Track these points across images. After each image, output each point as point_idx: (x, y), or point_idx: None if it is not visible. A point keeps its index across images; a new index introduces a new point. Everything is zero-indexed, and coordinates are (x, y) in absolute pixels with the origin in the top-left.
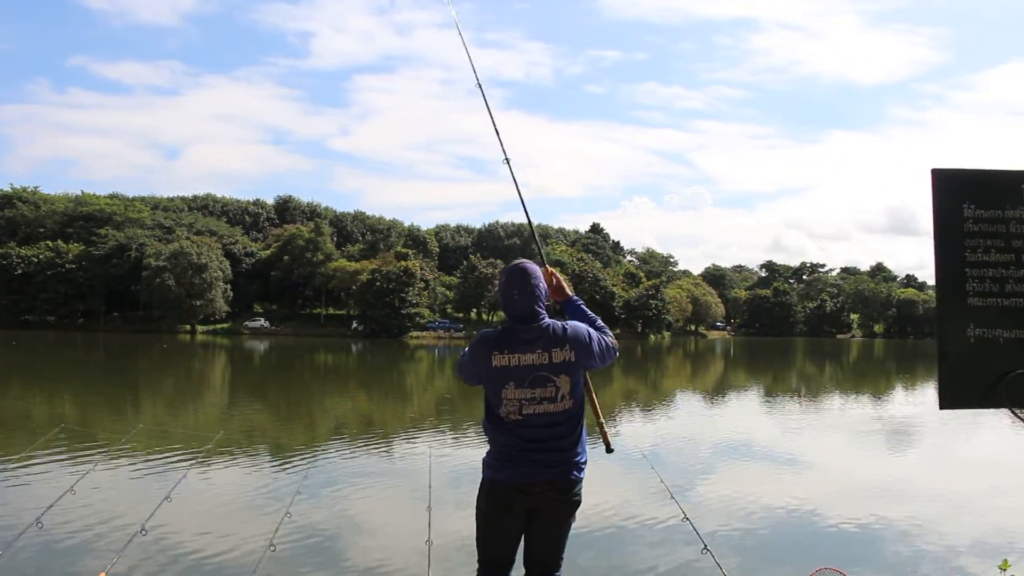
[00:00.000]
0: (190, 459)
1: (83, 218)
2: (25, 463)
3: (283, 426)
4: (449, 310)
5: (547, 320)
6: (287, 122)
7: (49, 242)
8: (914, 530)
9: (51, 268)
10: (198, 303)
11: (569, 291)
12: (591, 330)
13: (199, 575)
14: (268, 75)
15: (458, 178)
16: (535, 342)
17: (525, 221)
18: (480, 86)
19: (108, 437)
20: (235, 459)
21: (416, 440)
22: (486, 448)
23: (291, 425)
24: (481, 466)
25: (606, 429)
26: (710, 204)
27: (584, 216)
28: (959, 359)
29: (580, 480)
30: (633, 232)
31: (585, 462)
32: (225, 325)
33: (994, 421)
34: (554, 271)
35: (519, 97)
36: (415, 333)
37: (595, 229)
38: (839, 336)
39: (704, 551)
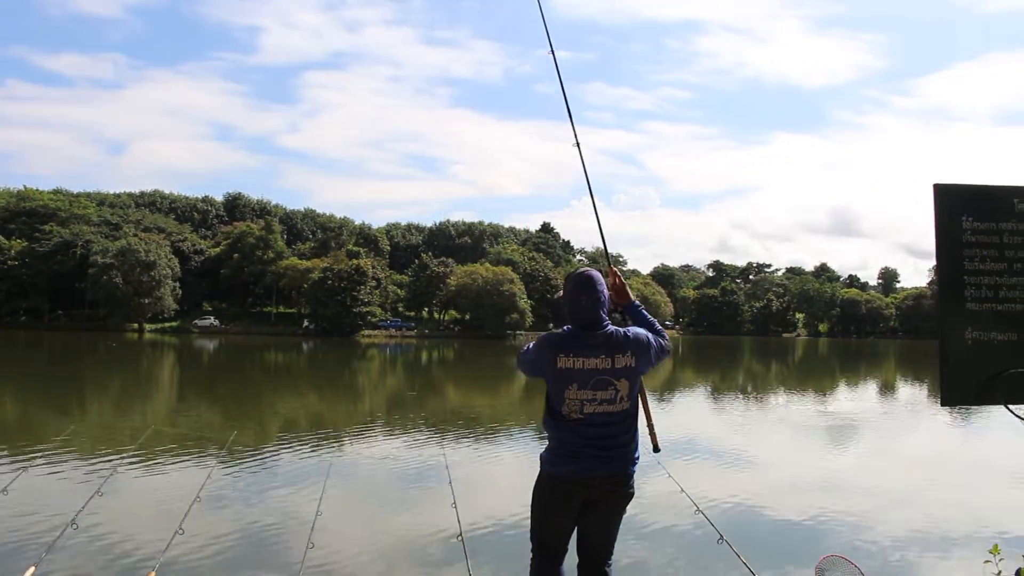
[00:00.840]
0: (120, 457)
1: (26, 213)
2: None
3: (232, 424)
4: (400, 308)
5: (611, 327)
6: (234, 118)
7: None
8: (855, 522)
9: None
10: (146, 301)
11: (632, 295)
12: (650, 335)
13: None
14: (215, 70)
15: (407, 176)
16: (599, 347)
17: (475, 220)
18: (552, 53)
19: (45, 437)
20: (159, 460)
21: (369, 438)
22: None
23: (240, 423)
24: (540, 462)
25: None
26: (658, 204)
27: (533, 215)
28: (958, 360)
29: (634, 474)
30: (582, 231)
31: (638, 458)
32: (174, 324)
33: (928, 422)
34: (618, 273)
35: (468, 96)
36: (367, 332)
37: (546, 228)
38: (785, 335)
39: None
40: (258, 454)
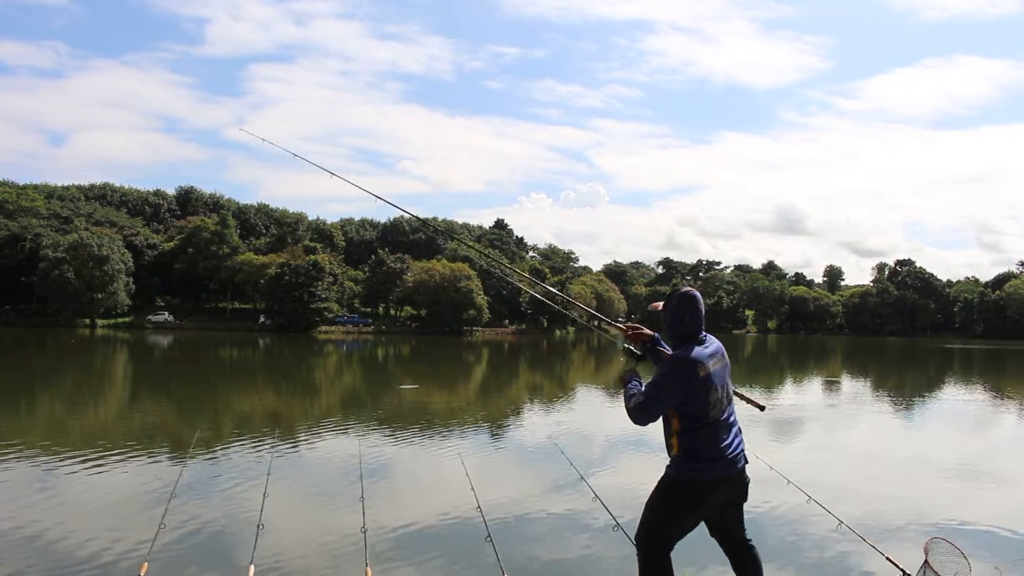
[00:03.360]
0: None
1: None
2: None
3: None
4: (357, 304)
5: (706, 335)
6: (180, 110)
7: None
8: (796, 516)
9: None
10: (99, 296)
11: (648, 331)
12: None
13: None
14: (160, 61)
15: (356, 171)
16: (714, 352)
17: (427, 216)
18: None
19: None
20: (110, 459)
21: (337, 432)
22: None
23: (195, 420)
24: (677, 469)
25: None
26: (606, 201)
27: (482, 211)
28: None
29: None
30: (530, 227)
31: None
32: (126, 319)
33: (872, 417)
34: (631, 325)
35: (418, 91)
36: (324, 328)
37: (499, 225)
38: (735, 332)
39: (616, 528)
40: (212, 452)
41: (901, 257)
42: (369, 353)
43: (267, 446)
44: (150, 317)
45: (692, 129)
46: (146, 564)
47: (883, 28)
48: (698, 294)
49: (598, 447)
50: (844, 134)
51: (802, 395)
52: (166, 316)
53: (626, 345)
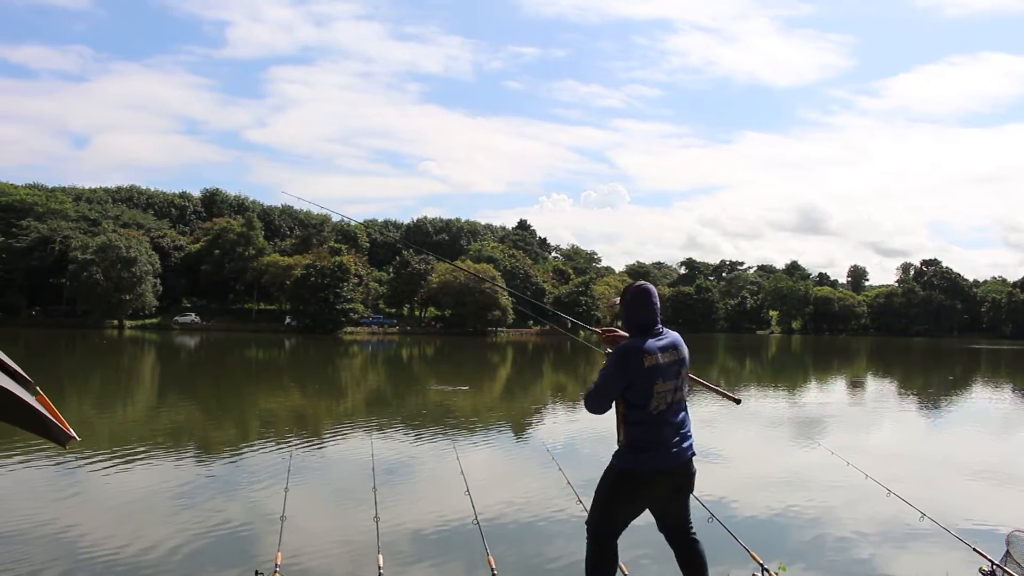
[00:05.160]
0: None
1: (1, 208)
2: None
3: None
4: (381, 305)
5: (663, 327)
6: (202, 112)
7: None
8: (821, 516)
9: None
10: (127, 298)
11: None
12: None
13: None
14: (182, 64)
15: (377, 172)
16: (668, 344)
17: (449, 217)
18: None
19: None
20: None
21: (356, 430)
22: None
23: (226, 420)
24: (619, 458)
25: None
26: (627, 201)
27: (503, 212)
28: None
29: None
30: (552, 228)
31: None
32: (154, 320)
33: (896, 416)
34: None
35: (438, 92)
36: (349, 328)
37: (522, 225)
38: (759, 332)
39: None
40: (226, 452)
41: (926, 257)
42: (394, 354)
43: (290, 445)
44: (177, 318)
45: (713, 129)
46: (280, 553)
47: (906, 25)
48: (652, 288)
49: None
50: (867, 133)
51: (851, 394)
52: (193, 317)
53: (607, 350)
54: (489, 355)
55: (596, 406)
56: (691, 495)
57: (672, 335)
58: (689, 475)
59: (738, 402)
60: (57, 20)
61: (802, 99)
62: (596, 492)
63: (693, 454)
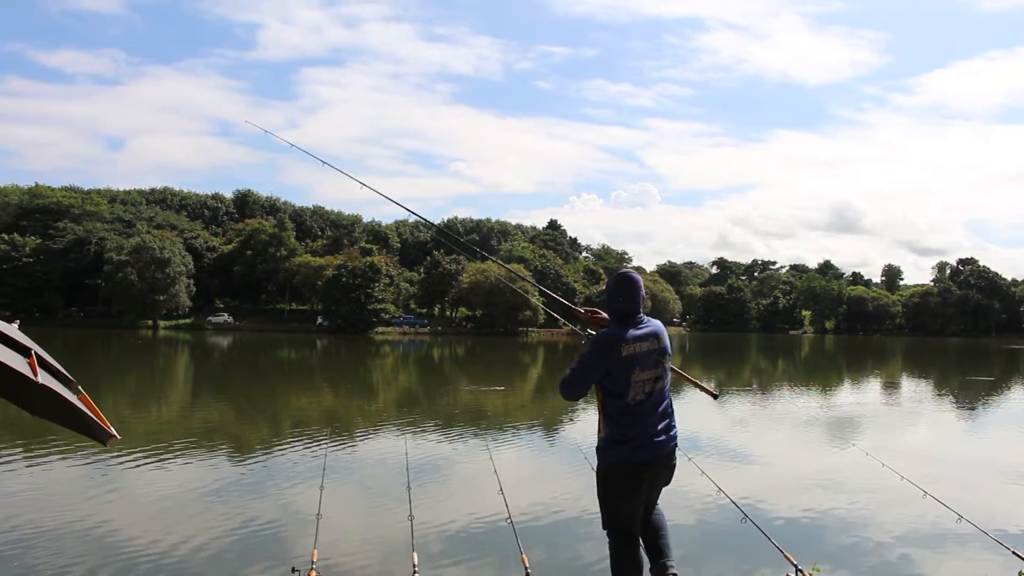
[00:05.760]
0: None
1: (39, 211)
2: None
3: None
4: (412, 305)
5: (645, 316)
6: (233, 114)
7: (4, 235)
8: (855, 518)
9: (7, 262)
10: (161, 298)
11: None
12: None
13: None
14: (214, 66)
15: (408, 173)
16: (648, 333)
17: (479, 217)
18: None
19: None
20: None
21: (391, 430)
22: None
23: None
24: (602, 453)
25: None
26: (658, 201)
27: (533, 212)
28: None
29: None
30: (583, 228)
31: None
32: (187, 320)
33: (932, 417)
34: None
35: (468, 92)
36: (380, 328)
37: (553, 225)
38: (791, 332)
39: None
40: (262, 451)
41: (963, 256)
42: (425, 354)
43: (323, 444)
44: (210, 318)
45: (744, 127)
46: (316, 551)
47: (941, 20)
48: (636, 276)
49: None
50: (901, 130)
51: (886, 394)
52: (226, 318)
53: (588, 330)
54: (520, 355)
55: (571, 391)
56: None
57: (653, 324)
58: (670, 467)
59: (716, 396)
60: (91, 25)
61: (834, 96)
62: (597, 495)
63: (675, 445)
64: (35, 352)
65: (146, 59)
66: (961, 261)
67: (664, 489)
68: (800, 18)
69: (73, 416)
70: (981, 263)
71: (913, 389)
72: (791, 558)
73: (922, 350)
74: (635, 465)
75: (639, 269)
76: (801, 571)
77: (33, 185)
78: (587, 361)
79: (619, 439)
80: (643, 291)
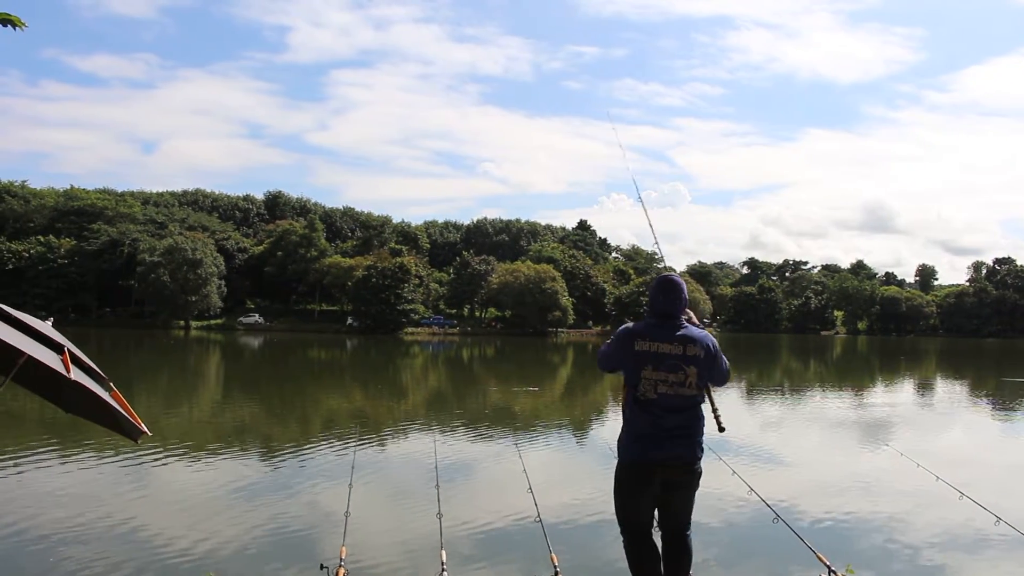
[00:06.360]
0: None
1: (74, 212)
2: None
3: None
4: (441, 306)
5: (686, 324)
6: (264, 116)
7: (40, 237)
8: (890, 520)
9: (43, 263)
10: (193, 299)
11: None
12: (715, 343)
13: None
14: (244, 69)
15: (437, 174)
16: (672, 337)
17: (509, 217)
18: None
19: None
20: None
21: (420, 430)
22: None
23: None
24: (617, 449)
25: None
26: (688, 201)
27: (563, 212)
28: None
29: (700, 457)
30: (613, 228)
31: (703, 442)
32: (218, 321)
33: (968, 420)
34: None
35: (497, 92)
36: (410, 329)
37: (582, 226)
38: (823, 333)
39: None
40: (292, 450)
41: (999, 255)
42: (454, 354)
43: (352, 443)
44: (241, 319)
45: (776, 127)
46: (344, 548)
47: (977, 16)
48: (674, 280)
49: None
50: (936, 129)
51: (920, 396)
52: (256, 318)
53: None
54: (551, 356)
55: (601, 362)
56: (691, 499)
57: (692, 331)
58: (687, 475)
59: (722, 430)
60: (125, 29)
61: (867, 95)
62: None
63: (690, 455)
64: (68, 349)
65: (178, 63)
66: (998, 260)
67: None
68: (832, 16)
69: (105, 413)
70: (1019, 263)
71: (948, 390)
72: (824, 559)
73: (957, 351)
74: (642, 464)
75: (669, 269)
76: (834, 572)
77: (68, 187)
78: (611, 343)
79: (631, 437)
80: (683, 295)
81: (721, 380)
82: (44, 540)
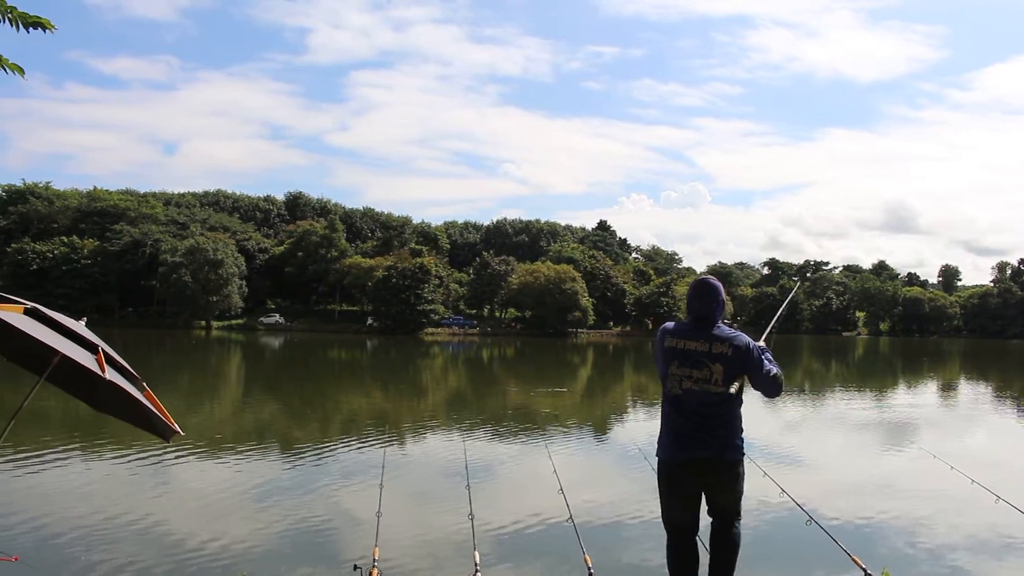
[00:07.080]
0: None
1: (97, 213)
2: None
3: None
4: (461, 306)
5: (721, 325)
6: (285, 117)
7: (64, 238)
8: (924, 522)
9: (66, 264)
10: (214, 299)
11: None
12: (755, 344)
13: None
14: (265, 70)
15: (457, 174)
16: (702, 335)
17: (529, 218)
18: None
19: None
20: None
21: (446, 429)
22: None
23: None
24: (657, 451)
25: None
26: (708, 201)
27: (582, 212)
28: None
29: (738, 456)
30: (632, 228)
31: (742, 442)
32: (239, 321)
33: (992, 422)
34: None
35: (516, 93)
36: (430, 329)
37: (602, 226)
38: (845, 334)
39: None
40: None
41: None
42: (475, 355)
43: (381, 443)
44: (262, 319)
45: (795, 126)
46: (377, 548)
47: (1000, 13)
48: (710, 282)
49: None
50: (958, 127)
51: (945, 397)
52: (277, 318)
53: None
54: (571, 356)
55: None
56: (733, 491)
57: (723, 331)
58: (722, 473)
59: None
60: (146, 32)
61: (888, 93)
62: None
63: (718, 453)
64: (102, 348)
65: (199, 65)
66: (1022, 260)
67: None
68: (853, 14)
69: (137, 412)
70: None
71: (974, 392)
72: (860, 562)
73: (982, 352)
74: (673, 463)
75: (689, 270)
76: (870, 575)
77: (91, 189)
78: (656, 346)
79: (664, 435)
80: (719, 297)
81: (764, 385)
82: (70, 538)
